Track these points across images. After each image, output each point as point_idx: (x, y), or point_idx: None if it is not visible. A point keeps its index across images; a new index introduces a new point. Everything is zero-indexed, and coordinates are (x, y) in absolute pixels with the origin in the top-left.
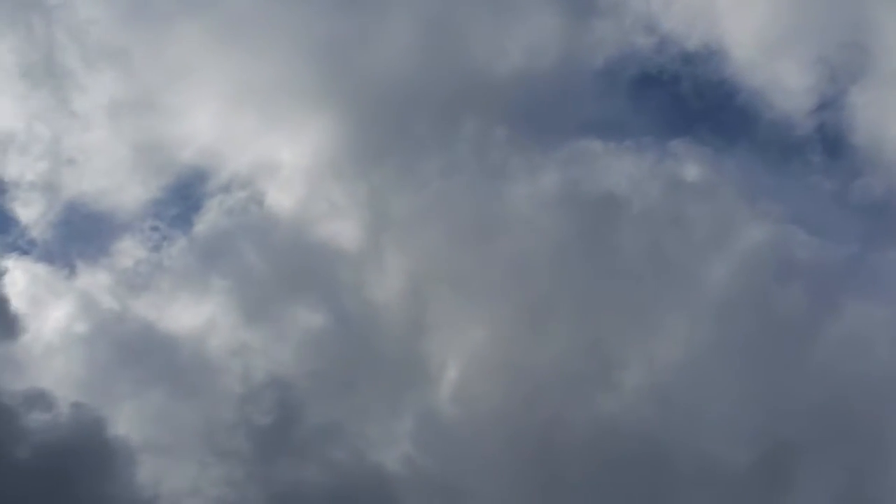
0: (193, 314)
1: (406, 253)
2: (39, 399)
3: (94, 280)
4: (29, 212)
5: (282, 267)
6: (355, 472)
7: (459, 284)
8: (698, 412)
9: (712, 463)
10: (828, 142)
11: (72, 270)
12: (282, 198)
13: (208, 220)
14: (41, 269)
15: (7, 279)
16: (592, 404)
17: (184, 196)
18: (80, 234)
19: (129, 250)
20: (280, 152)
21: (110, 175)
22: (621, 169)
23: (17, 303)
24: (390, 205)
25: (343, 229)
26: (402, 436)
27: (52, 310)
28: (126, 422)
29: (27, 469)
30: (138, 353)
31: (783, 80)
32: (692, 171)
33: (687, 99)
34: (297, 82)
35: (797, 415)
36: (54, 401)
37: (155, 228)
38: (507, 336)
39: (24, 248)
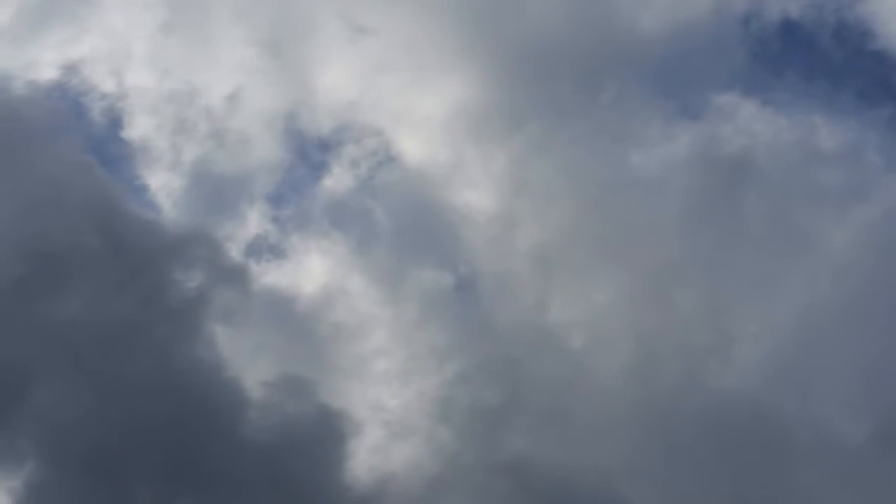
0: (323, 275)
1: (538, 218)
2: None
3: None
4: (156, 175)
5: (412, 227)
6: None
7: (589, 250)
8: (818, 382)
9: (830, 433)
10: None
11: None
12: (417, 157)
13: (340, 178)
14: None
15: None
16: (711, 374)
17: (315, 155)
18: (208, 197)
19: (260, 210)
20: (417, 111)
21: (240, 135)
22: (757, 126)
23: None
24: (527, 169)
25: (476, 192)
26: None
27: None
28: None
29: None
30: (277, 319)
31: None
32: (828, 126)
33: (828, 47)
34: (437, 40)
35: None
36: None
37: (286, 186)
38: (631, 304)
39: (153, 211)
